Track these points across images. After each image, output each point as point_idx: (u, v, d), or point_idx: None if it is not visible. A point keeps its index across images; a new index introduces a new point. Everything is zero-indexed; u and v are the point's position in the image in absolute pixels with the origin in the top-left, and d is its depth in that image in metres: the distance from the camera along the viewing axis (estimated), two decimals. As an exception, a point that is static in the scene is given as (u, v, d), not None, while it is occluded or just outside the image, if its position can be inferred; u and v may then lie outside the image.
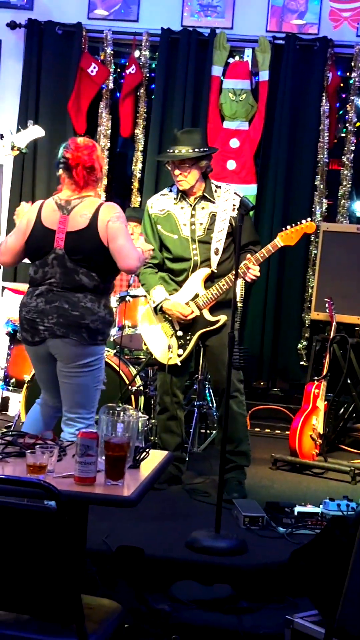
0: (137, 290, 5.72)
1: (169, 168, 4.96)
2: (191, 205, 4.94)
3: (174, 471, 5.12)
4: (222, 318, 4.89)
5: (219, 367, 4.91)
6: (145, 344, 5.21)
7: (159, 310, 4.98)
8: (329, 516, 4.44)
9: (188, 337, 4.98)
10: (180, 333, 4.99)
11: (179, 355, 4.98)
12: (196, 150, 4.85)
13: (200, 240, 4.88)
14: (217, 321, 4.89)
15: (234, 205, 4.88)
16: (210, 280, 4.88)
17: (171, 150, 4.89)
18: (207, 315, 4.90)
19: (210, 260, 4.89)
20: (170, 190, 5.06)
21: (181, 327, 4.98)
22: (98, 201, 4.15)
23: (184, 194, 4.97)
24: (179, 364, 4.99)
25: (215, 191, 4.96)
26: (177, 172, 4.89)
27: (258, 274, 4.82)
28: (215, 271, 4.88)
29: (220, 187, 5.00)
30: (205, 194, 4.93)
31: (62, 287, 4.06)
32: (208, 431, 6.16)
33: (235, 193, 4.95)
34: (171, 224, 4.96)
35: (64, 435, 4.13)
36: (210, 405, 6.10)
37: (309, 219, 4.89)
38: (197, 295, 4.91)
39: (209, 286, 4.90)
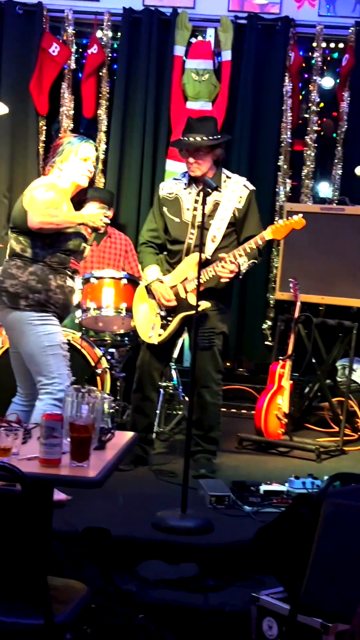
0: (102, 272, 5.71)
1: (183, 155, 5.00)
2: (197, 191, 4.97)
3: (139, 452, 5.15)
4: (204, 304, 4.84)
5: (198, 356, 4.92)
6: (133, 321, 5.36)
7: (148, 290, 5.07)
8: (294, 494, 4.48)
9: (170, 319, 5.02)
10: (163, 313, 5.04)
11: (159, 335, 5.03)
12: (211, 138, 4.88)
13: (200, 226, 4.86)
14: (199, 306, 4.86)
15: (240, 197, 4.95)
16: (205, 266, 4.83)
17: (186, 138, 4.93)
18: (192, 300, 4.89)
19: (205, 246, 4.88)
20: (183, 176, 5.14)
21: (166, 308, 5.02)
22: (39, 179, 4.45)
23: (192, 180, 5.02)
24: (155, 342, 5.03)
25: (225, 181, 5.00)
26: (191, 159, 4.92)
27: (228, 273, 4.78)
28: (210, 258, 4.89)
29: (230, 177, 5.03)
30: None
31: (7, 256, 4.37)
32: (174, 412, 6.18)
33: (244, 185, 4.99)
34: (176, 208, 5.04)
35: (35, 408, 4.24)
36: (177, 386, 6.11)
37: (300, 214, 4.85)
38: (186, 279, 4.95)
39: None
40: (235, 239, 5.00)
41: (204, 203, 4.39)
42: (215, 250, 4.92)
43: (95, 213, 4.36)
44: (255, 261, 4.96)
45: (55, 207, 4.23)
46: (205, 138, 4.87)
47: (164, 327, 5.04)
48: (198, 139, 4.88)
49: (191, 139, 4.90)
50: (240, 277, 4.93)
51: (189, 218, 4.97)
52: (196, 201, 4.97)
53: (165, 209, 5.07)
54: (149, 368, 5.14)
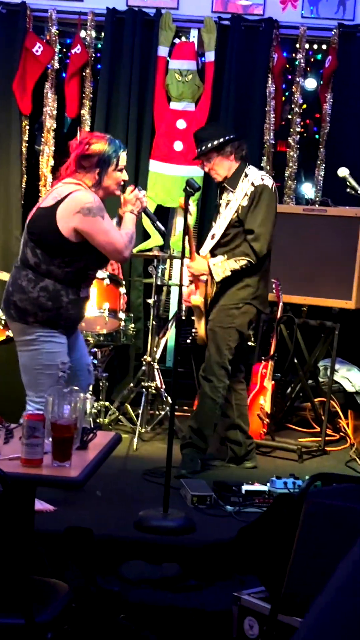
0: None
1: (204, 169, 5.18)
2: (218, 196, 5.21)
3: (229, 453, 5.36)
4: (195, 300, 5.12)
5: (207, 347, 5.15)
6: None
7: None
8: (275, 494, 4.50)
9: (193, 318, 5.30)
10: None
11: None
12: (214, 142, 5.01)
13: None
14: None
15: (245, 194, 4.99)
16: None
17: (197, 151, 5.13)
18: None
19: (199, 247, 5.12)
20: None
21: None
22: (74, 187, 4.03)
23: (220, 185, 5.18)
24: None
25: (242, 180, 5.06)
26: (206, 168, 5.14)
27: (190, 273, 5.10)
28: (206, 255, 5.07)
29: (248, 175, 5.08)
30: (225, 184, 5.09)
31: (18, 262, 4.13)
32: (157, 412, 6.19)
33: (252, 183, 5.02)
34: (216, 217, 5.22)
35: None
36: (159, 386, 6.11)
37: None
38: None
39: None
40: (244, 239, 5.03)
41: (186, 204, 4.40)
42: (212, 248, 5.06)
43: (132, 198, 4.22)
44: (242, 261, 4.99)
45: (111, 223, 4.10)
46: (209, 145, 5.01)
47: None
48: (203, 147, 5.04)
49: (198, 150, 5.10)
50: (215, 277, 4.99)
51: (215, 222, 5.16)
52: (219, 205, 5.15)
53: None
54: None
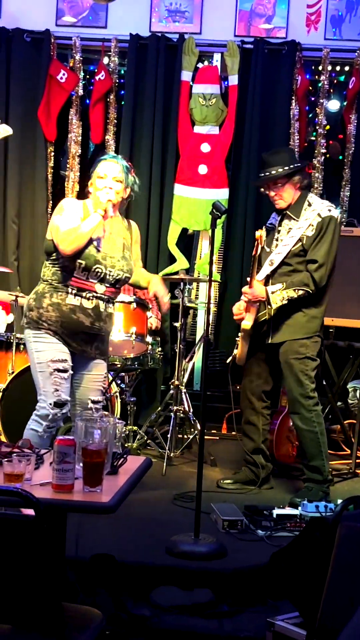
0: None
1: (265, 192, 5.08)
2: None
3: (249, 475, 5.27)
4: (244, 324, 5.04)
5: (284, 381, 5.14)
6: None
7: None
8: (307, 518, 4.45)
9: (237, 339, 5.18)
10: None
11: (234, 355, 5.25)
12: (286, 168, 4.95)
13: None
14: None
15: (311, 224, 4.93)
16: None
17: (262, 174, 5.04)
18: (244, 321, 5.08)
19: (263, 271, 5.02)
20: None
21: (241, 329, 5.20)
22: None
23: (281, 212, 5.10)
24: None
25: (305, 209, 4.99)
26: (272, 193, 5.04)
27: (247, 297, 5.01)
28: (260, 281, 4.99)
29: (312, 204, 5.01)
30: (288, 212, 5.02)
31: None
32: (185, 436, 6.16)
33: (318, 214, 4.94)
34: (270, 238, 5.14)
35: None
36: (187, 409, 6.09)
37: None
38: None
39: None
40: (305, 268, 4.97)
41: (213, 226, 4.37)
42: (270, 275, 5.00)
43: (99, 199, 4.40)
44: (300, 291, 4.90)
45: (68, 221, 4.33)
46: (280, 169, 4.94)
47: (236, 347, 5.18)
48: (273, 172, 4.96)
49: (266, 173, 5.00)
50: (271, 304, 4.92)
51: (272, 248, 5.07)
52: (278, 231, 5.07)
53: (264, 238, 5.13)
54: (245, 391, 5.27)
